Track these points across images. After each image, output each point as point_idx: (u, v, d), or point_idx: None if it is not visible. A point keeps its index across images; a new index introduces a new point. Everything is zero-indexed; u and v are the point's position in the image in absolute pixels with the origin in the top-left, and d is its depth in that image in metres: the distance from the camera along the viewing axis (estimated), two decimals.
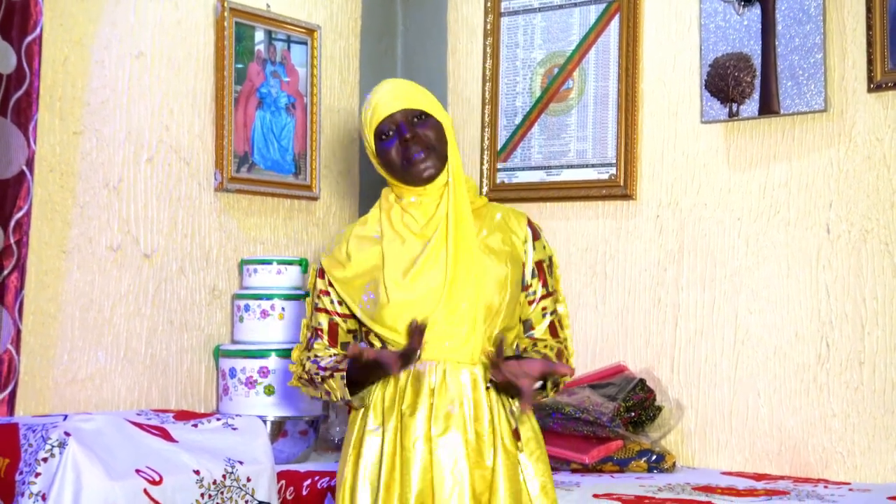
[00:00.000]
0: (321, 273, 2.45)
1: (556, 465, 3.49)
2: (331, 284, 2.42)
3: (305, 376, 2.42)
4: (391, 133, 2.37)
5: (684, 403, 3.68)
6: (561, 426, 3.54)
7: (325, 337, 2.42)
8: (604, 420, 3.49)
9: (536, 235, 2.46)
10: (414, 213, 2.40)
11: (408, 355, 2.26)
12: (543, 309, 2.43)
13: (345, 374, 2.34)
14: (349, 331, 2.44)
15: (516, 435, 2.34)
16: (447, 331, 2.31)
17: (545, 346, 2.40)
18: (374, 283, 2.36)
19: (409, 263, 2.34)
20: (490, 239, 2.40)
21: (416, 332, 2.24)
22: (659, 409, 3.62)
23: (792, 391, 3.52)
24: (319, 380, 2.38)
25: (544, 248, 2.47)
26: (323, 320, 2.44)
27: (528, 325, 2.44)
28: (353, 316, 2.41)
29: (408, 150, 2.35)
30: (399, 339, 2.32)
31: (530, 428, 2.39)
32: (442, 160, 2.39)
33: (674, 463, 3.53)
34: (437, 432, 2.30)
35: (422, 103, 2.39)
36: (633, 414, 3.55)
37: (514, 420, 2.35)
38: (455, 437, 2.29)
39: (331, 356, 2.40)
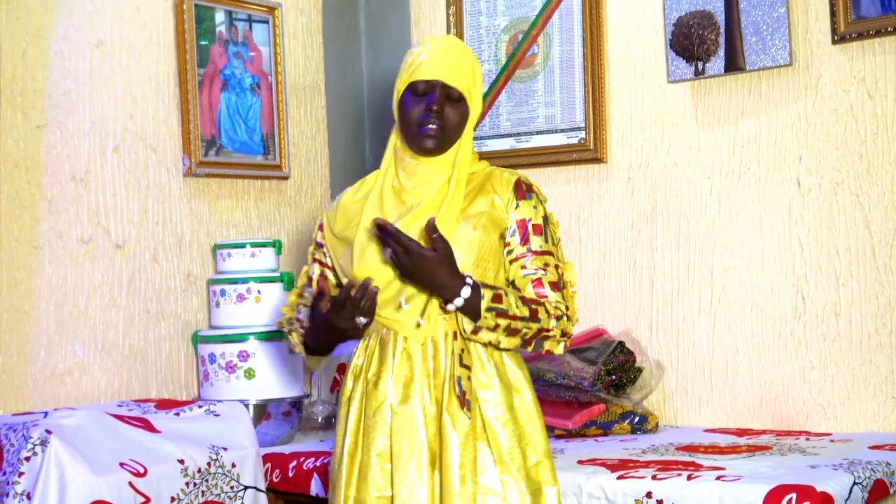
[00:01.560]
0: (321, 226, 2.52)
1: None
2: (324, 238, 2.50)
3: (285, 323, 2.51)
4: (422, 93, 2.36)
5: (664, 364, 3.70)
6: (542, 393, 3.55)
7: (315, 286, 2.47)
8: (585, 385, 3.51)
9: (522, 195, 2.40)
10: (405, 177, 2.40)
11: (341, 302, 2.26)
12: (523, 268, 2.37)
13: (304, 333, 2.43)
14: (338, 284, 2.47)
15: (462, 402, 2.31)
16: (409, 308, 2.33)
17: (517, 298, 2.32)
18: (350, 244, 2.39)
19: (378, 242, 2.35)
20: (471, 204, 2.39)
21: (361, 288, 2.25)
22: (639, 370, 3.63)
23: (770, 346, 3.54)
24: (287, 331, 2.48)
25: (534, 207, 2.40)
26: (316, 270, 2.51)
27: (514, 287, 2.39)
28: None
29: (425, 118, 2.35)
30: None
31: (500, 394, 2.35)
32: (449, 142, 2.39)
33: (657, 423, 3.55)
34: (396, 400, 2.32)
35: (464, 86, 2.37)
36: (613, 377, 3.57)
37: (459, 386, 2.32)
38: (414, 406, 2.31)
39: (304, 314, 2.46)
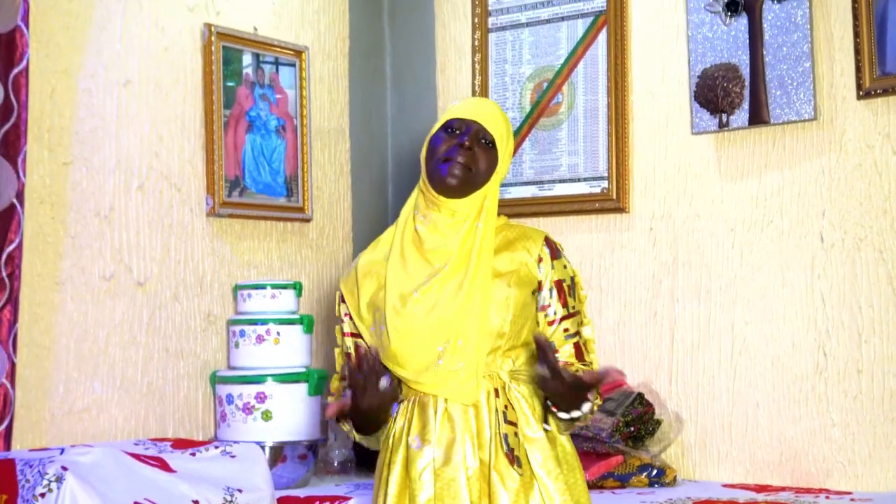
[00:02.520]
0: (342, 298, 2.43)
1: None
2: (350, 310, 2.41)
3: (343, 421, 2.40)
4: (456, 132, 2.34)
5: (683, 416, 3.67)
6: None
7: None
8: (603, 436, 3.48)
9: (555, 254, 2.38)
10: (425, 233, 2.36)
11: (354, 382, 2.21)
12: (565, 330, 2.34)
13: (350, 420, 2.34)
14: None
15: (511, 458, 2.30)
16: (445, 369, 2.29)
17: (573, 369, 2.35)
18: (379, 311, 2.35)
19: (411, 290, 2.31)
20: (497, 260, 2.36)
21: (361, 359, 2.20)
22: (658, 422, 3.61)
23: (791, 401, 3.52)
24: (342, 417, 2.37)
25: (565, 267, 2.38)
26: (350, 344, 2.41)
27: None
28: None
29: (452, 153, 2.31)
30: (401, 372, 2.30)
31: (547, 448, 2.34)
32: (471, 187, 2.33)
33: (675, 477, 3.52)
34: (440, 464, 2.28)
35: (499, 135, 2.36)
36: (632, 428, 3.54)
37: (506, 444, 2.30)
38: (457, 467, 2.28)
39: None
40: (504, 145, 2.37)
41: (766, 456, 3.55)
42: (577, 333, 2.37)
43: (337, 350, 2.46)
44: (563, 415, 2.25)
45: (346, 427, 2.37)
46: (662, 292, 3.76)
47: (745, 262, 3.61)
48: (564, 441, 2.39)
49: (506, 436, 2.29)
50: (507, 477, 2.29)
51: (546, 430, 2.32)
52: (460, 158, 2.31)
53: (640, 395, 3.62)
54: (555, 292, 2.35)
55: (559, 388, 2.20)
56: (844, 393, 3.42)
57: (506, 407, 2.31)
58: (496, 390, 2.31)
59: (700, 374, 3.68)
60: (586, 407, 2.23)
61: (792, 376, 3.52)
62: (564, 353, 2.36)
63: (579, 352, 2.37)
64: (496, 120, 2.37)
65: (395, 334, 2.29)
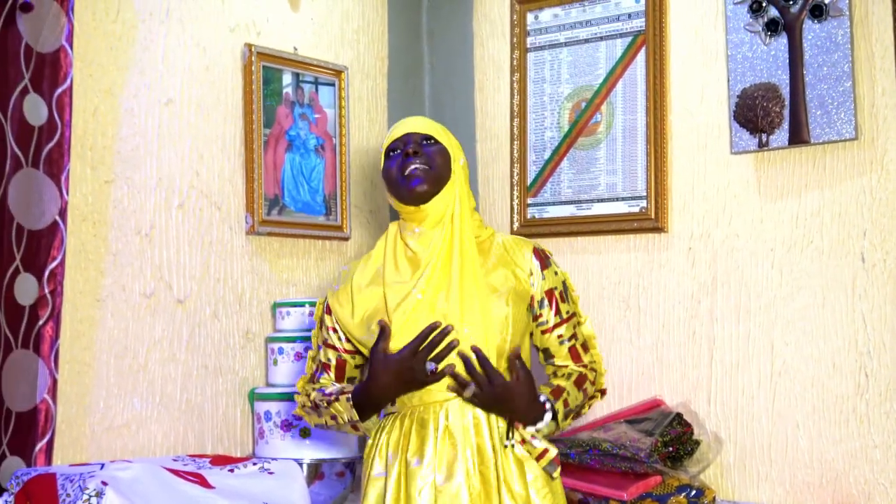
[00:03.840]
0: (328, 309, 2.47)
1: (595, 502, 3.47)
2: (337, 322, 2.44)
3: (310, 404, 2.47)
4: (398, 150, 2.44)
5: (722, 437, 3.65)
6: (598, 462, 3.51)
7: (333, 372, 2.47)
8: (641, 456, 3.46)
9: (545, 264, 2.45)
10: (416, 247, 2.42)
11: (418, 343, 2.27)
12: (559, 336, 2.43)
13: (350, 395, 2.35)
14: (357, 366, 2.48)
15: (509, 436, 2.33)
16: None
17: (563, 375, 2.41)
18: (376, 320, 2.38)
19: (405, 295, 2.35)
20: (493, 276, 2.40)
21: (442, 333, 2.25)
22: (697, 443, 3.59)
23: (831, 422, 3.48)
24: (325, 404, 2.42)
25: (556, 274, 2.46)
26: (332, 356, 2.49)
27: (547, 354, 2.46)
28: (360, 353, 2.44)
29: (406, 162, 2.40)
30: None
31: (537, 468, 2.37)
32: (438, 184, 2.40)
33: (714, 497, 3.49)
34: (441, 480, 2.29)
35: (434, 132, 2.46)
36: (670, 449, 3.52)
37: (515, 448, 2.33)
38: (459, 484, 2.28)
39: (338, 386, 2.44)
40: (446, 138, 2.46)
41: (806, 477, 3.52)
42: (574, 336, 2.43)
43: (311, 353, 2.51)
44: (529, 428, 2.29)
45: (342, 406, 2.36)
46: (701, 312, 3.74)
47: (784, 283, 3.59)
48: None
49: (513, 444, 2.33)
50: (513, 488, 2.30)
51: (506, 446, 2.33)
52: (414, 165, 2.41)
53: (679, 416, 3.60)
54: (546, 302, 2.42)
55: (495, 394, 2.23)
56: (886, 414, 3.39)
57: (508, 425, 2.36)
58: None
59: (739, 395, 3.66)
60: (547, 417, 2.27)
61: (833, 397, 3.49)
62: (561, 358, 2.41)
63: (576, 354, 2.43)
64: (425, 123, 2.49)
65: (398, 334, 2.33)
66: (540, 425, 2.30)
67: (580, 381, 2.41)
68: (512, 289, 2.39)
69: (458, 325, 2.30)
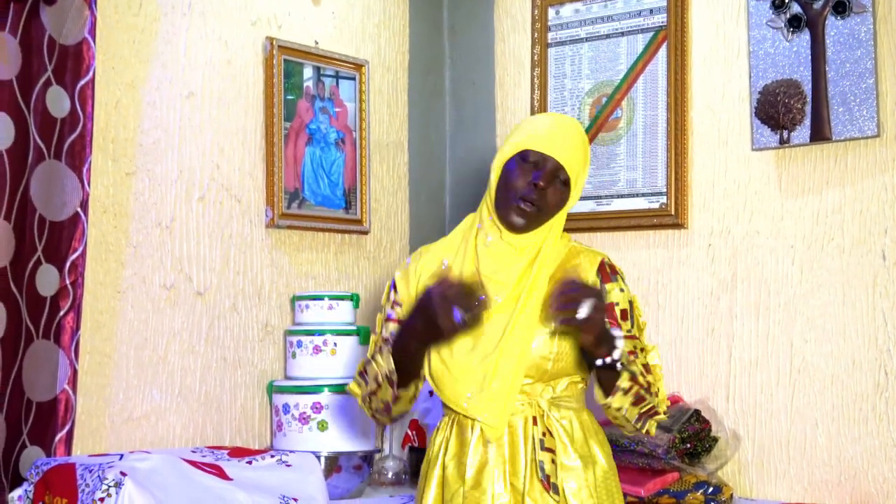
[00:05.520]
0: (395, 286, 2.41)
1: None
2: (401, 298, 2.39)
3: (358, 377, 2.36)
4: (531, 164, 2.25)
5: (741, 434, 3.64)
6: (616, 458, 3.49)
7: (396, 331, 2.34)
8: (659, 452, 3.46)
9: (608, 278, 2.29)
10: (485, 256, 2.32)
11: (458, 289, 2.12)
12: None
13: (391, 345, 2.27)
14: None
15: (546, 485, 2.26)
16: (481, 405, 2.28)
17: (638, 366, 2.26)
18: None
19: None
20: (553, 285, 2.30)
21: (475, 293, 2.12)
22: (715, 439, 3.58)
23: (850, 420, 3.47)
24: (375, 367, 2.29)
25: (620, 291, 2.32)
26: (394, 329, 2.37)
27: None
28: None
29: (528, 193, 2.24)
30: (444, 398, 2.31)
31: (582, 476, 2.31)
32: (538, 224, 2.27)
33: (731, 495, 3.49)
34: (470, 486, 2.27)
35: (574, 171, 2.28)
36: (688, 445, 3.52)
37: (542, 471, 2.27)
38: (484, 490, 2.27)
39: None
40: (579, 180, 2.30)
41: (824, 475, 3.50)
42: (635, 355, 2.27)
43: (373, 337, 2.42)
44: (616, 353, 2.14)
45: (385, 357, 2.26)
46: (720, 309, 3.73)
47: (804, 280, 3.58)
48: (603, 462, 2.35)
49: (542, 463, 2.26)
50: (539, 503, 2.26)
51: (607, 406, 2.23)
52: (531, 202, 2.25)
53: (697, 412, 3.59)
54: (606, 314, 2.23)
55: (596, 325, 2.08)
56: None
57: (544, 434, 2.28)
58: (534, 418, 2.29)
59: (758, 392, 3.65)
60: (620, 341, 2.14)
61: (852, 395, 3.47)
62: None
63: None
64: (575, 155, 2.28)
65: (436, 357, 2.28)
66: (616, 353, 2.12)
67: (647, 374, 2.28)
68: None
69: (489, 374, 2.24)
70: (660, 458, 3.46)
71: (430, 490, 2.34)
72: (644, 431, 2.30)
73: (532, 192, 2.24)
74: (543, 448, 2.27)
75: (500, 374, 2.25)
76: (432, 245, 2.45)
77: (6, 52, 3.08)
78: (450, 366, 2.28)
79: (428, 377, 2.32)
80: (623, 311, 2.32)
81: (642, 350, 2.31)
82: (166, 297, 3.51)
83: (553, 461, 2.26)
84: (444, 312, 2.11)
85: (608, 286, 2.32)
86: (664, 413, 2.30)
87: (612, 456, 2.39)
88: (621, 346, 2.14)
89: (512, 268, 2.30)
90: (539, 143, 2.27)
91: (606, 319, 2.14)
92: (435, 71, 4.48)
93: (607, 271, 2.33)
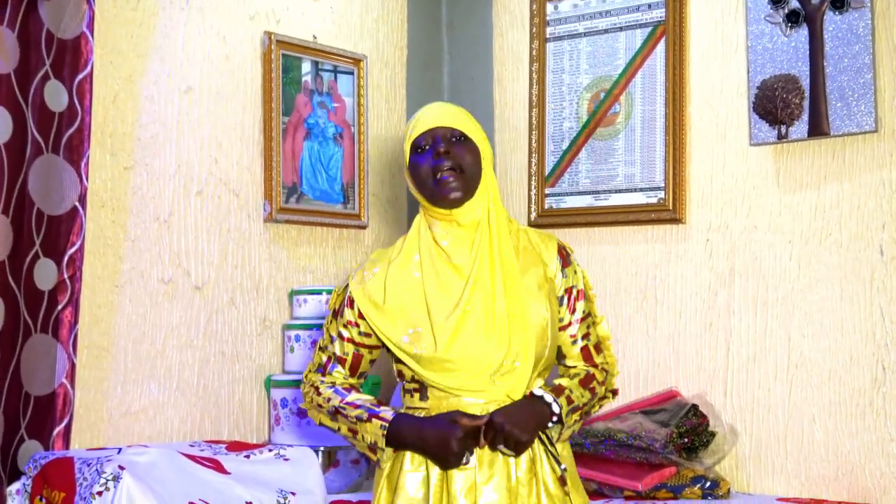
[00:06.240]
0: (350, 302, 2.38)
1: (610, 492, 3.47)
2: (361, 317, 2.35)
3: (323, 403, 2.35)
4: (426, 147, 2.32)
5: (738, 429, 3.64)
6: (613, 453, 3.52)
7: (347, 367, 2.38)
8: (657, 447, 3.46)
9: (566, 262, 2.37)
10: (447, 245, 2.35)
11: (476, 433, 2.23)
12: (572, 336, 2.35)
13: (387, 424, 2.28)
14: (371, 361, 2.42)
15: (562, 481, 2.30)
16: (516, 378, 2.29)
17: (568, 376, 2.37)
18: (416, 327, 2.32)
19: (452, 306, 2.30)
20: (528, 277, 2.35)
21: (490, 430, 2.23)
22: (712, 434, 3.58)
23: (848, 415, 3.47)
24: (349, 416, 2.31)
25: (575, 272, 2.39)
26: (349, 350, 2.37)
27: (559, 354, 2.38)
28: (382, 346, 2.37)
29: (439, 165, 2.29)
30: (442, 383, 2.30)
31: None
32: (471, 186, 2.31)
33: (728, 489, 3.49)
34: (482, 479, 2.28)
35: (463, 125, 2.34)
36: (686, 440, 3.52)
37: (559, 466, 2.30)
38: (499, 483, 2.27)
39: (363, 397, 2.34)
40: (474, 129, 2.36)
41: (821, 470, 3.51)
42: (587, 336, 2.38)
43: (321, 342, 2.41)
44: (555, 431, 2.29)
45: (374, 429, 2.30)
46: (718, 304, 3.73)
47: (802, 275, 3.58)
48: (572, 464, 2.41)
49: (555, 457, 2.30)
50: (545, 496, 2.29)
51: (550, 445, 2.32)
52: (447, 167, 2.30)
53: (695, 407, 3.59)
54: (565, 300, 2.36)
55: (510, 431, 2.21)
56: None
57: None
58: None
59: (755, 387, 3.65)
60: (556, 408, 2.26)
61: (849, 390, 3.48)
62: (572, 358, 2.38)
63: (588, 355, 2.37)
64: (453, 114, 2.36)
65: (445, 347, 2.28)
66: (555, 419, 2.27)
67: (587, 381, 2.35)
68: (548, 290, 2.34)
69: (509, 356, 2.26)
70: (657, 453, 3.46)
71: (432, 481, 2.33)
72: (595, 411, 2.43)
73: (440, 160, 2.30)
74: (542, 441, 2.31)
75: (519, 353, 2.29)
76: (388, 250, 2.44)
77: (4, 46, 3.08)
78: (462, 355, 2.28)
79: (424, 367, 2.31)
80: (579, 292, 2.40)
81: (593, 323, 2.41)
82: (164, 291, 3.51)
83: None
84: (456, 457, 2.23)
85: (566, 270, 2.39)
86: (614, 392, 2.43)
87: (570, 450, 2.43)
88: (555, 420, 2.28)
89: (469, 246, 2.34)
90: (419, 127, 2.35)
91: (528, 413, 2.26)
92: (433, 66, 4.48)
93: (564, 255, 2.41)
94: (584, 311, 2.38)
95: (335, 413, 2.34)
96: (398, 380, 2.41)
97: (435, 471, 2.28)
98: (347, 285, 2.42)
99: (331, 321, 2.42)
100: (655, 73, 3.89)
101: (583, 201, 4.03)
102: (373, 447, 2.31)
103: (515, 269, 2.32)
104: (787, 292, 3.61)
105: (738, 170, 3.72)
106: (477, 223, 2.35)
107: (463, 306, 2.28)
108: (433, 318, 2.28)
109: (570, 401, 2.29)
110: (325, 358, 2.39)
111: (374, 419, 2.29)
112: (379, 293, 2.36)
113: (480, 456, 2.27)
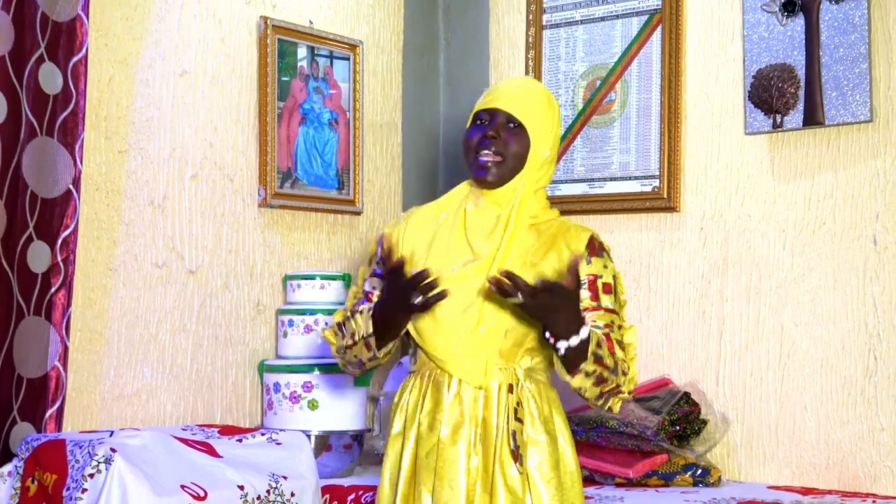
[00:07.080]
0: (381, 242, 2.47)
1: (601, 479, 3.48)
2: (390, 249, 2.43)
3: (335, 328, 2.43)
4: (484, 122, 2.38)
5: (730, 417, 3.65)
6: (605, 440, 3.52)
7: (374, 302, 2.40)
8: (648, 434, 3.47)
9: (595, 252, 2.36)
10: (472, 215, 2.40)
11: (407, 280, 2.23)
12: (592, 321, 2.32)
13: (371, 309, 2.34)
14: None
15: (515, 455, 2.30)
16: (465, 352, 2.31)
17: (607, 348, 2.27)
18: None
19: (449, 267, 2.34)
20: (544, 260, 2.35)
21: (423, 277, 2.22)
22: (704, 422, 3.59)
23: (839, 404, 3.48)
24: (348, 320, 2.38)
25: (605, 266, 2.36)
26: (376, 284, 2.43)
27: None
28: None
29: (483, 145, 2.35)
30: (429, 348, 2.34)
31: (546, 451, 2.34)
32: (508, 175, 2.36)
33: (719, 477, 3.50)
34: (446, 443, 2.31)
35: (525, 114, 2.36)
36: (677, 427, 3.53)
37: (514, 440, 2.31)
38: (459, 451, 2.30)
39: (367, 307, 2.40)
40: (535, 125, 2.37)
41: (812, 459, 3.52)
42: (609, 327, 2.31)
43: (354, 289, 2.48)
44: (563, 344, 2.20)
45: (363, 318, 2.34)
46: (711, 292, 3.74)
47: (796, 264, 3.59)
48: (569, 457, 2.38)
49: (514, 432, 2.30)
50: (508, 474, 2.29)
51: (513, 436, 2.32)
52: (488, 151, 2.35)
53: (687, 395, 3.60)
54: (588, 286, 2.34)
55: (540, 301, 2.16)
56: (894, 397, 3.39)
57: (518, 404, 2.32)
58: (510, 386, 2.32)
59: (748, 375, 3.66)
60: (584, 332, 2.19)
61: (841, 379, 3.49)
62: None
63: (610, 346, 2.32)
64: (522, 99, 2.38)
65: (420, 315, 2.33)
66: (573, 340, 2.18)
67: (614, 355, 2.32)
68: (558, 272, 2.32)
69: (475, 321, 2.28)
70: (649, 440, 3.47)
71: (407, 447, 2.36)
72: (606, 409, 2.33)
73: (486, 142, 2.35)
74: (516, 418, 2.30)
75: (485, 319, 2.31)
76: (424, 206, 2.51)
77: None
78: (437, 316, 2.31)
79: (412, 331, 2.35)
80: (606, 285, 2.37)
81: (619, 328, 2.34)
82: (158, 275, 3.51)
83: (522, 432, 2.30)
84: (401, 301, 2.24)
85: (593, 259, 2.38)
86: (629, 393, 2.33)
87: (571, 435, 2.42)
88: (573, 343, 2.20)
89: (489, 221, 2.39)
90: (487, 100, 2.41)
91: (566, 311, 2.19)
92: (429, 52, 4.47)
93: (595, 246, 2.39)
94: (610, 305, 2.33)
95: (341, 328, 2.41)
96: (409, 344, 2.45)
97: (412, 433, 2.33)
98: (383, 233, 2.51)
99: (364, 268, 2.50)
100: (651, 62, 3.89)
101: (577, 189, 4.03)
102: (367, 339, 2.35)
103: (521, 255, 2.34)
104: (780, 281, 3.61)
105: (733, 159, 3.72)
106: (500, 204, 2.39)
107: (458, 272, 2.31)
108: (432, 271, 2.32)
109: (599, 345, 2.24)
110: (355, 301, 2.45)
111: (362, 309, 2.37)
112: (401, 235, 2.45)
113: (448, 420, 2.30)
